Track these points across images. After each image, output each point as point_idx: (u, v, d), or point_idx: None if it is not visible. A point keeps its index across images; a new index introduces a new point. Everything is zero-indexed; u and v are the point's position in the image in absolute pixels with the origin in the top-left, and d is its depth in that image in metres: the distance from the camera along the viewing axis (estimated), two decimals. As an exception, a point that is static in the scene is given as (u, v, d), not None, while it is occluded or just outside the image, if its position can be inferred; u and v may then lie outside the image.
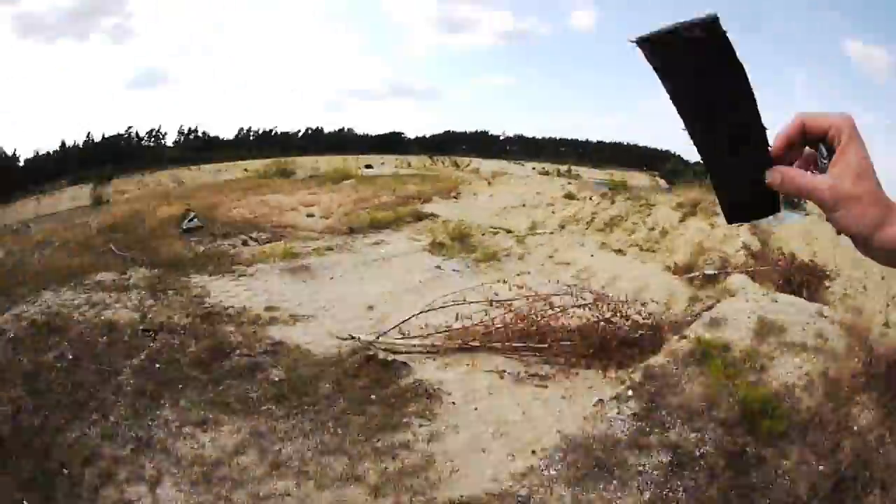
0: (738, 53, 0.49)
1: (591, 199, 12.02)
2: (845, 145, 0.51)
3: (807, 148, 0.57)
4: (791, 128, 0.55)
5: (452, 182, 14.95)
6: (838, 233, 0.54)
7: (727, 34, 0.49)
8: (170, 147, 37.82)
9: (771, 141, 0.56)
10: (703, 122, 0.54)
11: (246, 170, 31.23)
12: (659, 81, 0.53)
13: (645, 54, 0.51)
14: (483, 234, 10.00)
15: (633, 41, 0.50)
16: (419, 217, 11.02)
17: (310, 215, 10.87)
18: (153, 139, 37.69)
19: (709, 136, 0.55)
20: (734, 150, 0.55)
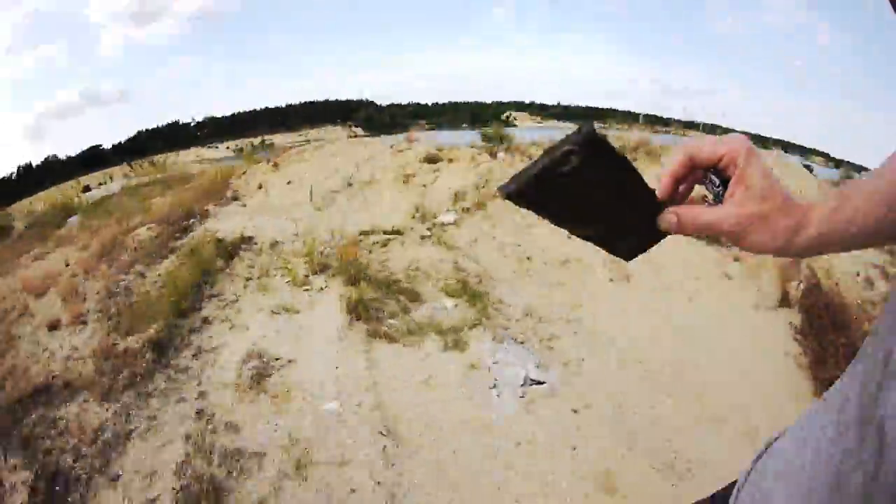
0: (616, 149, 0.45)
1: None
2: (743, 170, 0.48)
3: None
4: (678, 165, 0.50)
5: (214, 180, 8.69)
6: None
7: (605, 138, 0.43)
8: None
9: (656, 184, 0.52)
10: (595, 225, 0.52)
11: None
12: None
13: (518, 204, 0.47)
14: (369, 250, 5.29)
15: (502, 196, 0.46)
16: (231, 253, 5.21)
17: (52, 327, 4.39)
18: None
19: (596, 227, 0.52)
20: (624, 222, 0.53)
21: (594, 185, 0.47)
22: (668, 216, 0.52)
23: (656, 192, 0.52)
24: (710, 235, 0.55)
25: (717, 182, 0.50)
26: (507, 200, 0.46)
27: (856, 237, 0.48)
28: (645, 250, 0.57)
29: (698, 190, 0.54)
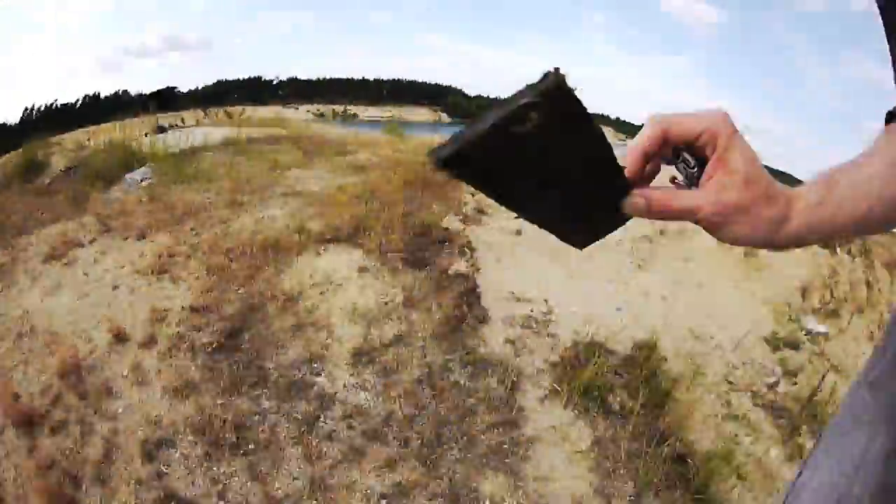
0: (584, 107, 0.32)
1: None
2: (725, 149, 0.40)
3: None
4: (649, 138, 0.41)
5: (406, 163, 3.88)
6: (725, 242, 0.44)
7: (573, 91, 0.31)
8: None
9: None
10: (543, 199, 0.39)
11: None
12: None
13: (453, 174, 0.32)
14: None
15: (432, 161, 0.31)
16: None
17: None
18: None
19: (548, 208, 0.40)
20: (581, 203, 0.41)
21: (553, 154, 0.34)
22: (636, 200, 0.42)
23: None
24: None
25: (693, 163, 0.42)
26: (440, 169, 0.31)
27: (836, 231, 0.44)
28: (601, 237, 0.47)
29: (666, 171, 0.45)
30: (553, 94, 0.30)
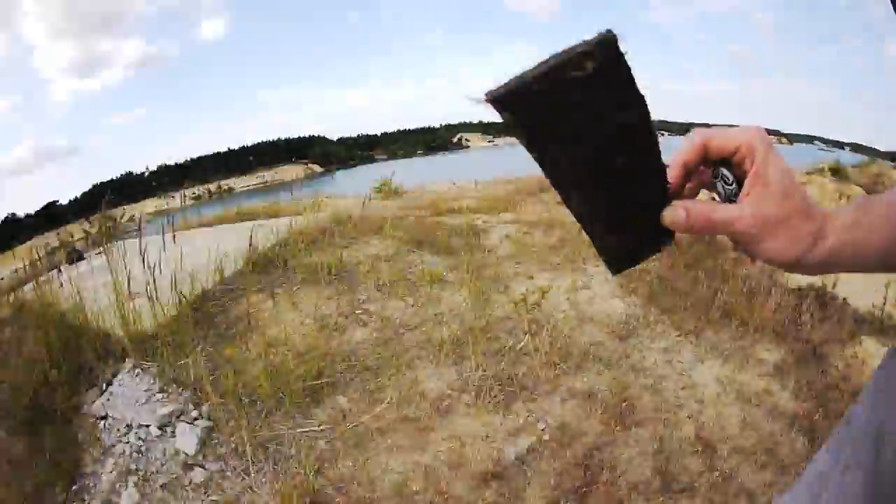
0: (633, 75, 0.34)
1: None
2: (762, 163, 0.42)
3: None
4: (690, 151, 0.44)
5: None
6: (756, 261, 0.46)
7: (624, 54, 0.32)
8: None
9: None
10: (591, 184, 0.40)
11: None
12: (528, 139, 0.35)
13: (506, 115, 0.33)
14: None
15: (488, 99, 0.32)
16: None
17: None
18: None
19: (592, 192, 0.40)
20: (624, 197, 0.42)
21: (604, 120, 0.35)
22: (678, 210, 0.44)
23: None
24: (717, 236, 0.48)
25: (731, 179, 0.45)
26: (492, 106, 0.32)
27: (868, 259, 0.44)
28: (636, 261, 0.48)
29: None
30: (607, 47, 0.31)
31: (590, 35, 0.31)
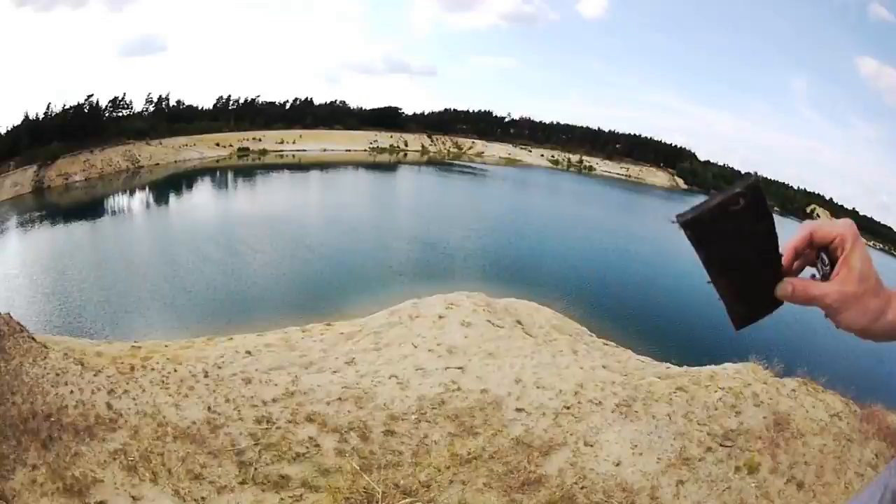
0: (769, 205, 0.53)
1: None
2: (849, 252, 0.57)
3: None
4: (800, 239, 0.61)
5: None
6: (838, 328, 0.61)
7: (764, 192, 0.50)
8: (138, 117, 27.21)
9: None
10: (733, 273, 0.60)
11: (218, 144, 20.99)
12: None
13: (686, 233, 0.55)
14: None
15: (676, 222, 0.54)
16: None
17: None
18: (118, 109, 25.48)
19: (733, 279, 0.61)
20: (753, 280, 0.62)
21: (746, 234, 0.56)
22: (786, 286, 0.61)
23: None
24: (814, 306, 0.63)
25: (827, 261, 0.61)
26: (681, 228, 0.53)
27: None
28: (754, 320, 0.66)
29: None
30: (754, 189, 0.52)
31: None
